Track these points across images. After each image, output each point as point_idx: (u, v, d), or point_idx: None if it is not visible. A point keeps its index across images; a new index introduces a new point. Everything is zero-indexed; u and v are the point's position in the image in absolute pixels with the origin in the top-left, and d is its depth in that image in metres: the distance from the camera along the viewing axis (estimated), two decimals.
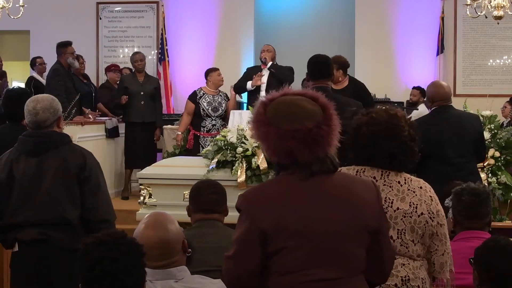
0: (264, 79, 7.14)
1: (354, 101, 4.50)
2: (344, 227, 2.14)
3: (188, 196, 3.43)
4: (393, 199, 2.58)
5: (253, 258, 2.13)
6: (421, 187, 2.64)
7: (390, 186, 2.59)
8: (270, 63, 7.22)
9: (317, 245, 2.12)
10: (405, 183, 2.62)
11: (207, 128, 7.28)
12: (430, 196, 2.63)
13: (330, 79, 4.39)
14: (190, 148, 7.29)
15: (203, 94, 7.34)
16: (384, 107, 2.74)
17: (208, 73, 7.50)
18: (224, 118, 7.33)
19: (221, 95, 7.40)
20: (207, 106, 7.27)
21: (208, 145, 6.78)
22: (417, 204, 2.58)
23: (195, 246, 2.86)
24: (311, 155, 2.13)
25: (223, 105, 7.33)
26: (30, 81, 8.99)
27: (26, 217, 3.39)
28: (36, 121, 3.46)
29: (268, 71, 7.18)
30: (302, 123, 2.12)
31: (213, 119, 7.28)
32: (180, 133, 7.54)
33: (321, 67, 4.47)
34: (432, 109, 4.91)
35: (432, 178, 4.41)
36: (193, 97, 7.38)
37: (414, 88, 9.21)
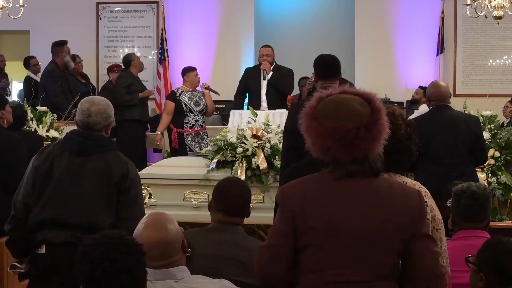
0: (264, 86, 7.29)
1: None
2: (372, 232, 2.12)
3: (211, 195, 3.24)
4: None
5: (286, 250, 2.16)
6: None
7: None
8: (270, 74, 7.24)
9: (342, 246, 2.11)
10: None
11: (190, 124, 7.28)
12: (426, 202, 2.57)
13: (338, 78, 4.32)
14: (176, 148, 7.28)
15: (182, 92, 7.38)
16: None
17: (185, 72, 7.50)
18: (205, 114, 7.41)
19: (198, 92, 7.45)
20: (188, 101, 7.29)
21: (193, 142, 7.04)
22: None
23: (211, 252, 2.84)
24: (346, 156, 2.12)
25: (203, 100, 7.37)
26: (30, 81, 8.98)
27: (57, 215, 3.30)
28: (87, 122, 3.42)
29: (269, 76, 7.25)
30: (342, 123, 2.11)
31: (196, 114, 7.29)
32: (159, 132, 7.50)
33: (329, 67, 4.39)
34: (430, 108, 4.94)
35: (424, 177, 4.43)
36: (172, 96, 7.43)
37: (420, 87, 9.14)
